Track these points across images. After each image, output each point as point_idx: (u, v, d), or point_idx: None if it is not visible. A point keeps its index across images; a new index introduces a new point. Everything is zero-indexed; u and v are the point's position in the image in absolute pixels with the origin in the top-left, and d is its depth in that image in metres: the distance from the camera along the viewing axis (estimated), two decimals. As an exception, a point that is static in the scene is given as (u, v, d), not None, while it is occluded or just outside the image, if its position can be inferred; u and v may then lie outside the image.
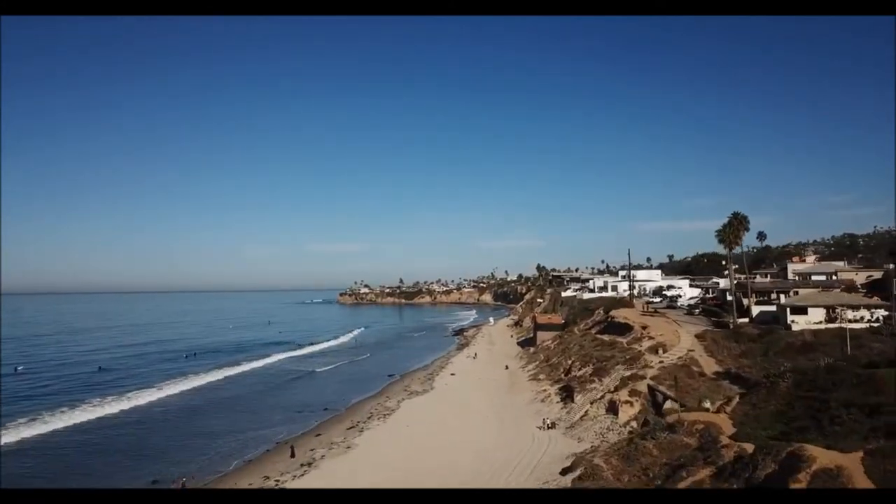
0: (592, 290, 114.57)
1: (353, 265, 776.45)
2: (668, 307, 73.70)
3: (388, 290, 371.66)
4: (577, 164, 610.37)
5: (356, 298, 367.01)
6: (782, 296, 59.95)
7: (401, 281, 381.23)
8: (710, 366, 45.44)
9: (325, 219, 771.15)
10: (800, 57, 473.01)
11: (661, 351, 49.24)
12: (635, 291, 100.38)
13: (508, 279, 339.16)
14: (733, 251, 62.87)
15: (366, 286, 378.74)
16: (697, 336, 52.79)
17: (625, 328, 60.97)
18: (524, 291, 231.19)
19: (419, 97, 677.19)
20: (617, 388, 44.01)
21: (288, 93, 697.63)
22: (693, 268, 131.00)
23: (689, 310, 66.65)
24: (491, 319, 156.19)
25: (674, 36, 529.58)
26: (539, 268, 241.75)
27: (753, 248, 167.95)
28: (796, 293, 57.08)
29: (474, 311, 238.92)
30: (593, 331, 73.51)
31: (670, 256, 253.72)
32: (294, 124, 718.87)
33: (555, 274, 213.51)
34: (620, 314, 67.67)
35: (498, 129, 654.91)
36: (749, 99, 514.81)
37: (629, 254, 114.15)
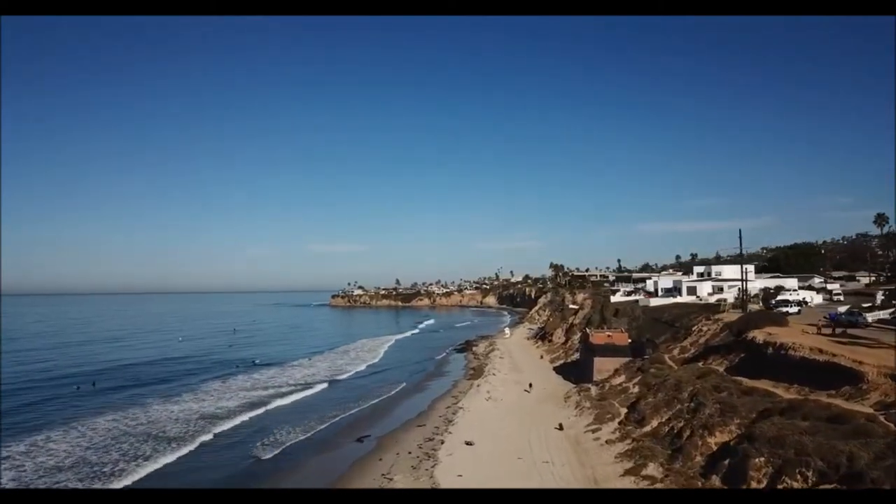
0: (653, 294, 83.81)
1: (355, 266, 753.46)
2: (847, 324, 42.60)
3: (383, 292, 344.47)
4: (577, 165, 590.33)
5: (349, 301, 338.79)
6: None
7: (397, 282, 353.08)
8: None
9: (328, 219, 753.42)
10: (800, 57, 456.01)
11: None
12: (726, 296, 69.30)
13: (514, 280, 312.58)
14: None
15: (360, 287, 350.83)
16: None
17: (827, 372, 29.85)
18: (535, 294, 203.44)
19: (419, 98, 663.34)
20: None
21: (289, 94, 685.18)
22: (782, 264, 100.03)
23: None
24: (506, 330, 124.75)
25: (675, 36, 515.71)
26: (556, 267, 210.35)
27: (866, 234, 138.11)
28: None
29: (480, 317, 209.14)
30: (717, 366, 42.35)
31: (693, 255, 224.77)
32: (296, 125, 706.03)
33: (576, 274, 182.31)
34: (789, 340, 36.36)
35: (497, 129, 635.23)
36: (750, 99, 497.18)
37: (740, 236, 70.39)
